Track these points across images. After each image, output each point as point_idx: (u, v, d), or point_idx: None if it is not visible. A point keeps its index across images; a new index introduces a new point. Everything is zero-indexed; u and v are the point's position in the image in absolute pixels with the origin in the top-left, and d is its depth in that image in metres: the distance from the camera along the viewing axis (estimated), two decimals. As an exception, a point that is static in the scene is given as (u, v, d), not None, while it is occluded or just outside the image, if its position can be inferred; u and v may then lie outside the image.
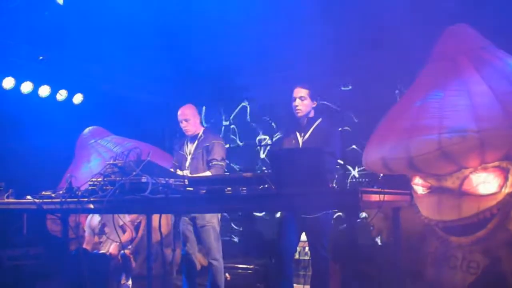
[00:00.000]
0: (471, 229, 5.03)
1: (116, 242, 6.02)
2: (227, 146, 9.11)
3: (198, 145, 5.22)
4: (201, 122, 5.41)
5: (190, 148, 5.26)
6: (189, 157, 5.22)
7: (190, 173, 5.07)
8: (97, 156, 6.99)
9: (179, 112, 5.30)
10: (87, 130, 7.49)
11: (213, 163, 5.08)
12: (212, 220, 5.12)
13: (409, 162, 4.90)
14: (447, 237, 5.25)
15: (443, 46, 5.49)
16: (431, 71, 5.48)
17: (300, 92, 4.66)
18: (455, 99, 4.93)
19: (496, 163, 4.89)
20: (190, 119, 5.24)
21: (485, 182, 4.93)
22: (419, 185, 5.44)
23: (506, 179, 4.90)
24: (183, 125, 5.26)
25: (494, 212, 4.90)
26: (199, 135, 5.27)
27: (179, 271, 6.02)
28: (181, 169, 5.22)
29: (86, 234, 6.33)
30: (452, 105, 4.89)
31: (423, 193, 5.42)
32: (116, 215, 4.97)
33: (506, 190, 4.90)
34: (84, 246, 6.22)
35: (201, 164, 5.14)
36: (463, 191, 5.04)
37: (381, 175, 6.56)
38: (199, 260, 5.72)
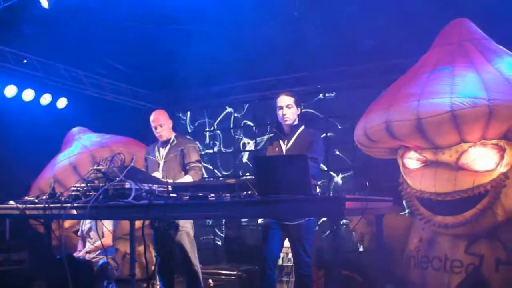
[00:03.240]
0: (460, 207, 5.06)
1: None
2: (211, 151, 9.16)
3: (170, 149, 5.25)
4: (172, 127, 5.42)
5: (162, 152, 5.28)
6: (161, 162, 5.24)
7: (164, 177, 5.01)
8: (78, 144, 7.27)
9: (152, 118, 5.30)
10: (75, 128, 7.65)
11: (191, 165, 5.15)
12: (185, 225, 5.11)
13: (417, 124, 4.92)
14: (433, 217, 5.26)
15: (447, 34, 5.62)
16: (436, 53, 5.57)
17: (286, 100, 4.62)
18: (464, 72, 5.05)
19: (495, 141, 5.00)
20: (164, 124, 5.27)
21: (483, 157, 5.00)
22: (413, 159, 5.43)
23: (502, 157, 5.00)
24: (157, 130, 5.27)
25: (488, 188, 4.97)
26: (171, 140, 5.30)
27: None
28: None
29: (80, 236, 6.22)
30: (462, 75, 5.00)
31: (417, 167, 5.42)
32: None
33: (501, 169, 4.99)
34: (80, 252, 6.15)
35: (173, 168, 5.16)
36: (459, 166, 5.10)
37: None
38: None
